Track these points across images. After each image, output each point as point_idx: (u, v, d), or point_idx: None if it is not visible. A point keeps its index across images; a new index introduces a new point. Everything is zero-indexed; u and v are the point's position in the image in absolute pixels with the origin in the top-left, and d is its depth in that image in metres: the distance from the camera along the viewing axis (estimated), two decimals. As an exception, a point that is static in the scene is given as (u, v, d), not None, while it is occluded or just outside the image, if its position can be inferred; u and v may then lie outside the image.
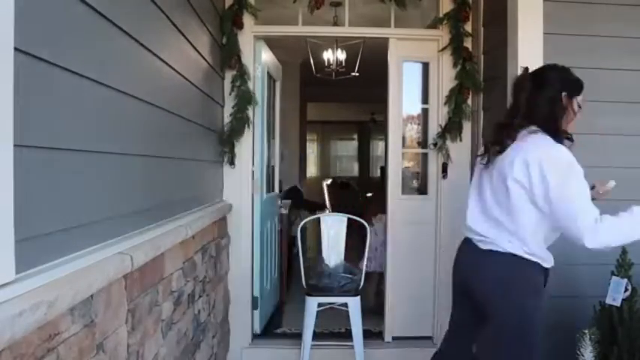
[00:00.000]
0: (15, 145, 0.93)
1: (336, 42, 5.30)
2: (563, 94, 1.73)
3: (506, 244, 1.72)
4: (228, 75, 3.09)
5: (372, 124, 11.08)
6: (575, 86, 1.78)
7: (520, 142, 1.70)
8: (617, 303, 2.13)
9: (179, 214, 2.10)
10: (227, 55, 3.02)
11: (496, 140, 1.77)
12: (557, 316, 2.51)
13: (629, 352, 2.07)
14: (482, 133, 3.10)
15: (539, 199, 1.64)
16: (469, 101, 3.17)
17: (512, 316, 1.69)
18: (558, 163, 1.64)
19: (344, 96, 8.33)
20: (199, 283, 2.36)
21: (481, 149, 1.91)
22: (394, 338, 3.31)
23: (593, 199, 1.73)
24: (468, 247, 1.87)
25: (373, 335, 3.37)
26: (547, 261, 1.80)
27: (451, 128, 3.17)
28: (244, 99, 3.08)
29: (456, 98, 3.14)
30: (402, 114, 3.35)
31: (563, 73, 1.78)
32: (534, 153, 1.64)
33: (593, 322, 2.21)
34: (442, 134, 3.19)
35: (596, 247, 1.64)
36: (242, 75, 3.08)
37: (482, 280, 1.77)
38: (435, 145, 3.22)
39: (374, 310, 3.56)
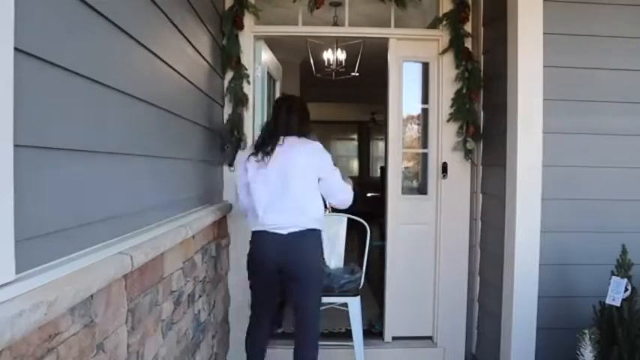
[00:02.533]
0: (15, 145, 0.94)
1: (336, 42, 5.30)
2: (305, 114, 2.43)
3: (310, 223, 2.27)
4: (228, 75, 3.09)
5: (372, 124, 11.08)
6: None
7: (293, 143, 2.31)
8: (617, 303, 2.13)
9: (179, 214, 2.10)
10: (227, 56, 3.03)
11: (269, 145, 2.30)
12: (557, 316, 2.52)
13: (629, 352, 2.07)
14: (482, 132, 3.10)
15: (324, 175, 2.33)
16: (475, 102, 3.12)
17: (318, 273, 2.36)
18: (327, 154, 2.38)
19: (344, 96, 8.32)
20: (199, 283, 2.36)
21: (250, 150, 2.38)
22: (394, 338, 3.32)
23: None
24: (268, 235, 2.28)
25: (373, 335, 3.37)
26: None
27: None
28: (244, 99, 3.09)
29: (461, 100, 3.12)
30: (402, 114, 3.35)
31: (300, 102, 2.52)
32: (315, 148, 2.34)
33: (593, 322, 2.21)
34: (464, 139, 3.13)
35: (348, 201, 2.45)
36: (242, 75, 3.09)
37: (299, 254, 2.27)
38: (470, 151, 3.12)
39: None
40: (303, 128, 2.38)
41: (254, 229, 2.35)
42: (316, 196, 2.34)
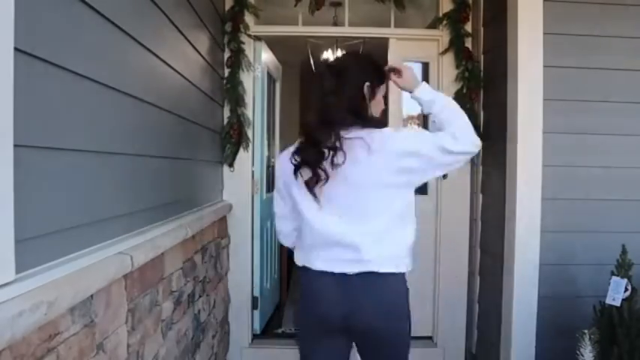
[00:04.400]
0: (15, 145, 0.94)
1: (336, 42, 5.28)
2: (367, 84, 1.50)
3: (391, 264, 1.44)
4: (229, 75, 3.09)
5: (372, 124, 11.06)
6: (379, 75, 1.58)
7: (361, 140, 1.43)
8: (617, 303, 2.13)
9: (179, 214, 2.10)
10: (227, 56, 3.03)
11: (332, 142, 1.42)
12: (557, 316, 2.51)
13: (629, 352, 2.07)
14: (482, 132, 3.10)
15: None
16: (475, 102, 3.12)
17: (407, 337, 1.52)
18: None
19: (344, 96, 8.30)
20: (199, 283, 2.36)
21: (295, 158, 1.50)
22: (394, 338, 3.31)
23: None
24: (333, 278, 1.46)
25: (373, 335, 3.36)
26: None
27: None
28: (243, 99, 3.09)
29: (461, 100, 3.12)
30: (402, 114, 3.35)
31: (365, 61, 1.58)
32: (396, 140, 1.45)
33: (593, 322, 2.21)
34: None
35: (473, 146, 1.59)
36: (242, 75, 3.09)
37: (370, 309, 1.43)
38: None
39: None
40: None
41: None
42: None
